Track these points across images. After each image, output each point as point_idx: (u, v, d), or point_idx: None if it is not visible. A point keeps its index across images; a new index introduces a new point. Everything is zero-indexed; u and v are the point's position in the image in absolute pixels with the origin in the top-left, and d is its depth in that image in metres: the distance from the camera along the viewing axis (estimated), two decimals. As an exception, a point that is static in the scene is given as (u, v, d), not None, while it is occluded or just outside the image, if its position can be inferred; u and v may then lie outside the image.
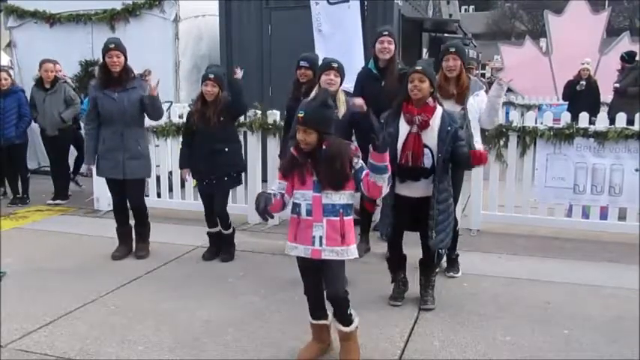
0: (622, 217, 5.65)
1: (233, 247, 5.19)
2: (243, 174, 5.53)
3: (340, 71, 4.46)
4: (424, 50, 10.30)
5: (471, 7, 55.97)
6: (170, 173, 6.84)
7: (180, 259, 5.17)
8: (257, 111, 6.21)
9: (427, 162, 3.74)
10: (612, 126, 5.60)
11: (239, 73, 4.83)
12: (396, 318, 3.85)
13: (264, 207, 2.98)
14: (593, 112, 6.47)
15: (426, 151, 3.73)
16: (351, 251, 3.10)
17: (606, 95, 10.07)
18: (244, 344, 3.50)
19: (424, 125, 3.72)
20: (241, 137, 5.80)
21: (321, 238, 3.05)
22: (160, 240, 5.44)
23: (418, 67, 3.73)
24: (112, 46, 4.83)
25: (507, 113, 6.34)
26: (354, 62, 5.77)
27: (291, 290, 4.15)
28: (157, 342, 3.54)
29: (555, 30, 14.49)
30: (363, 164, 3.06)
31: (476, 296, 4.24)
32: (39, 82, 7.41)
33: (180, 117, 6.58)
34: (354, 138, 4.59)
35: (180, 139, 5.56)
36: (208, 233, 5.19)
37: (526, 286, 4.43)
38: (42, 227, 6.29)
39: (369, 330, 3.54)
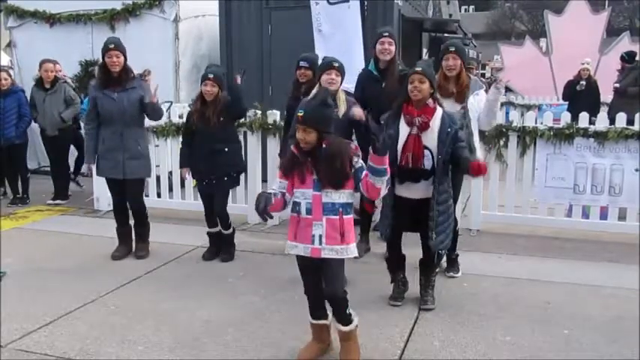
0: (622, 217, 5.65)
1: (233, 247, 5.19)
2: (242, 174, 5.53)
3: (341, 71, 4.47)
4: (424, 50, 10.30)
5: (471, 7, 55.97)
6: (170, 173, 6.84)
7: (180, 259, 5.17)
8: (257, 111, 6.21)
9: (427, 163, 3.74)
10: (612, 126, 5.60)
11: (239, 79, 4.83)
12: (396, 318, 3.85)
13: (264, 207, 2.98)
14: (593, 112, 6.47)
15: (426, 152, 3.73)
16: (351, 250, 3.10)
17: (606, 95, 10.07)
18: (244, 344, 3.50)
19: (424, 127, 3.72)
20: (241, 137, 5.80)
21: (320, 236, 3.05)
22: (160, 240, 5.44)
23: (418, 68, 3.73)
24: (112, 46, 4.82)
25: (507, 113, 6.36)
26: (354, 62, 5.77)
27: (291, 290, 4.15)
28: (156, 342, 3.54)
29: (555, 30, 14.50)
30: (363, 164, 3.06)
31: (476, 296, 4.24)
32: (39, 82, 7.41)
33: (180, 117, 6.58)
34: (353, 137, 4.59)
35: (180, 139, 5.55)
36: (208, 233, 5.19)
37: (526, 286, 4.43)
38: (42, 227, 6.29)
39: (369, 330, 3.54)
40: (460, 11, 31.76)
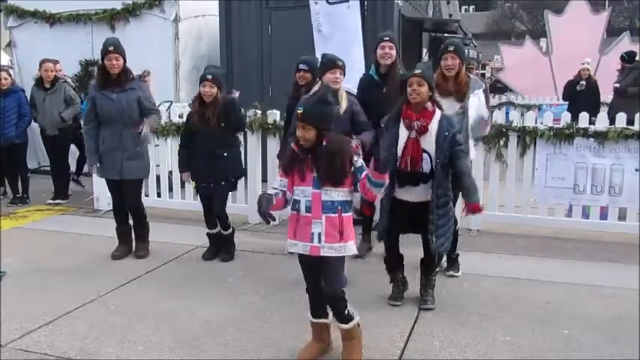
0: (622, 217, 5.65)
1: (233, 247, 5.19)
2: (241, 179, 5.52)
3: (344, 69, 4.55)
4: (424, 50, 10.29)
5: (471, 7, 55.95)
6: (170, 173, 6.84)
7: (180, 259, 5.17)
8: (257, 111, 6.21)
9: (426, 167, 3.74)
10: (612, 126, 5.60)
11: (235, 94, 4.85)
12: (396, 318, 3.85)
13: (266, 208, 2.99)
14: (593, 112, 6.47)
15: (425, 156, 3.73)
16: (350, 248, 3.10)
17: (606, 95, 10.07)
18: (244, 344, 3.50)
19: (422, 130, 3.72)
20: (241, 137, 5.79)
21: (319, 234, 3.05)
22: (160, 240, 5.44)
23: (417, 71, 3.72)
24: (111, 48, 4.81)
25: (507, 113, 6.34)
26: (354, 62, 5.77)
27: (291, 290, 4.15)
28: (156, 342, 3.54)
29: (555, 30, 14.51)
30: (363, 164, 3.06)
31: (476, 296, 4.24)
32: (39, 82, 7.41)
33: (180, 117, 6.58)
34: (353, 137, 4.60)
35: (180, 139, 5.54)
36: (208, 234, 5.19)
37: (526, 286, 4.43)
38: (42, 227, 6.29)
39: (369, 330, 3.53)
40: (460, 11, 31.73)
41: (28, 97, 7.42)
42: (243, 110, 5.52)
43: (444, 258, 4.54)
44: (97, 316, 3.92)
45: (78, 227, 6.24)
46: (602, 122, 5.71)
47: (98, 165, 5.04)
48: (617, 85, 8.98)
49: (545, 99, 13.39)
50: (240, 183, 5.72)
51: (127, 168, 4.97)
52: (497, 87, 15.53)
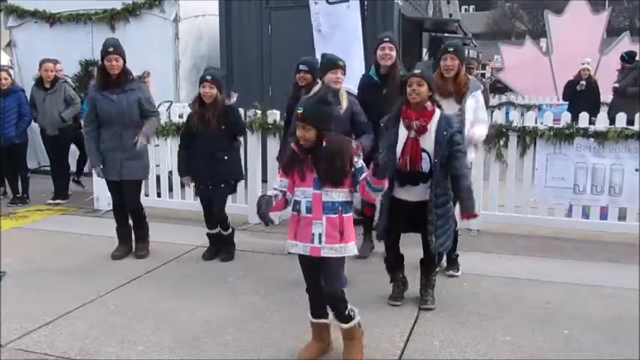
0: (622, 217, 5.65)
1: (233, 247, 5.19)
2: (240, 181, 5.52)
3: (345, 69, 4.56)
4: (424, 50, 10.30)
5: (471, 7, 55.95)
6: (170, 173, 6.84)
7: (180, 259, 5.17)
8: (257, 111, 6.21)
9: (425, 166, 3.74)
10: (612, 126, 5.60)
11: (233, 96, 4.85)
12: (395, 318, 3.85)
13: (265, 210, 3.00)
14: (593, 112, 6.47)
15: (424, 155, 3.73)
16: (350, 248, 3.11)
17: (606, 95, 10.07)
18: (244, 344, 3.50)
19: (422, 130, 3.72)
20: (241, 138, 5.77)
21: (320, 235, 3.05)
22: (160, 240, 5.44)
23: (416, 71, 3.73)
24: (111, 49, 4.80)
25: (507, 113, 6.34)
26: (354, 62, 5.76)
27: (291, 290, 4.15)
28: (156, 342, 3.54)
29: (555, 30, 14.51)
30: (364, 165, 3.06)
31: (476, 296, 4.24)
32: (39, 82, 7.41)
33: (180, 117, 6.58)
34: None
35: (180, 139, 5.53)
36: (208, 234, 5.19)
37: (526, 286, 4.43)
38: (42, 227, 6.29)
39: (369, 330, 3.53)
40: (460, 11, 31.73)
41: (28, 97, 7.42)
42: (242, 112, 5.53)
43: (444, 258, 4.54)
44: (97, 316, 3.92)
45: (78, 227, 6.23)
46: (602, 122, 5.71)
47: (101, 167, 5.02)
48: (617, 85, 8.98)
49: (545, 99, 13.39)
50: (240, 183, 5.72)
51: (126, 169, 4.97)
52: (497, 87, 15.53)
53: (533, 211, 5.88)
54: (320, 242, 3.06)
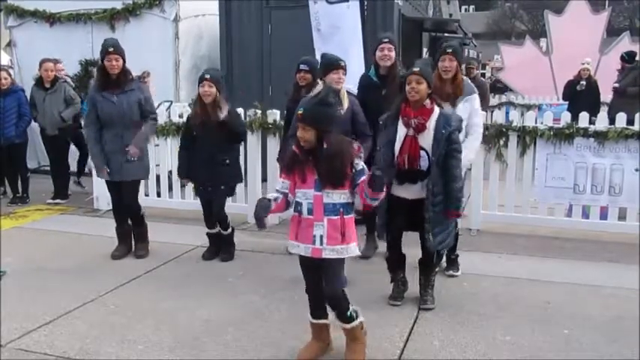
0: (622, 217, 5.65)
1: (233, 247, 5.19)
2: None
3: (346, 69, 4.56)
4: (424, 50, 10.30)
5: (471, 7, 55.91)
6: (170, 173, 6.83)
7: (180, 259, 5.17)
8: (257, 111, 6.20)
9: (423, 164, 3.74)
10: (612, 126, 5.60)
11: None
12: (395, 318, 3.85)
13: (260, 214, 3.03)
14: (594, 112, 6.47)
15: (423, 153, 3.73)
16: (351, 249, 3.11)
17: (606, 95, 10.07)
18: (244, 344, 3.50)
19: (420, 128, 3.72)
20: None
21: (321, 237, 3.05)
22: (160, 239, 5.44)
23: (415, 69, 3.72)
24: (111, 49, 4.80)
25: (507, 113, 6.34)
26: (353, 63, 5.75)
27: (291, 289, 4.15)
28: (156, 341, 3.54)
29: (555, 30, 14.51)
30: (364, 167, 3.06)
31: (476, 296, 4.24)
32: (39, 82, 7.41)
33: (180, 116, 6.57)
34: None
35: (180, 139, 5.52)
36: (208, 234, 5.18)
37: (526, 286, 4.43)
38: (42, 226, 6.29)
39: (369, 329, 3.52)
40: (460, 11, 31.69)
41: (28, 97, 7.42)
42: (242, 112, 5.52)
43: (444, 258, 4.54)
44: (96, 315, 3.92)
45: (78, 227, 6.23)
46: (602, 122, 5.71)
47: (108, 170, 4.98)
48: (617, 85, 8.98)
49: (545, 99, 13.39)
50: (240, 183, 5.71)
51: (127, 169, 4.97)
52: (497, 87, 15.52)
53: (533, 211, 5.88)
54: (321, 244, 3.06)
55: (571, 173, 5.71)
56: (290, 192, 3.15)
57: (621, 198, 5.60)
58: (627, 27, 27.22)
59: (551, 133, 5.69)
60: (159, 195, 6.88)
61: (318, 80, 4.71)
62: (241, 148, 5.56)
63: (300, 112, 3.05)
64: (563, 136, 5.67)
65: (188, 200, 6.54)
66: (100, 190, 6.70)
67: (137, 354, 3.40)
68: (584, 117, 5.72)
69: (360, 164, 3.06)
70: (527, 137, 5.80)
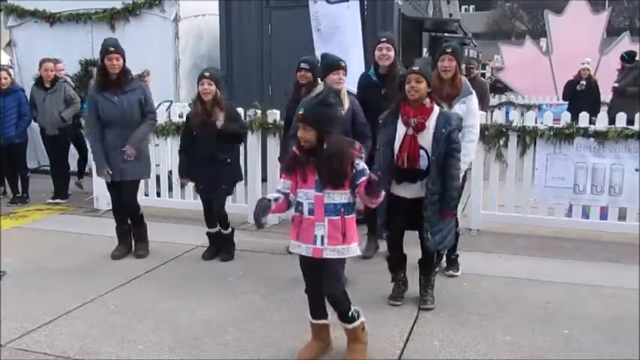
0: (622, 217, 5.65)
1: (233, 247, 5.19)
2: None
3: (346, 69, 4.56)
4: (424, 50, 10.30)
5: (471, 7, 55.91)
6: (170, 172, 6.84)
7: (180, 259, 5.17)
8: (257, 110, 6.20)
9: (423, 164, 3.74)
10: (612, 126, 5.60)
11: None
12: (395, 317, 3.85)
13: (259, 214, 3.04)
14: (594, 112, 6.47)
15: (422, 152, 3.73)
16: (352, 249, 3.11)
17: (606, 95, 10.07)
18: (244, 344, 3.50)
19: (420, 127, 3.71)
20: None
21: (322, 237, 3.06)
22: (160, 239, 5.44)
23: (415, 68, 3.72)
24: (112, 49, 4.80)
25: (507, 113, 6.34)
26: (353, 63, 5.75)
27: (291, 289, 4.15)
28: (156, 341, 3.54)
29: (555, 30, 14.51)
30: (365, 168, 3.06)
31: (476, 296, 4.24)
32: (39, 82, 7.41)
33: (180, 116, 6.57)
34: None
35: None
36: (208, 233, 5.18)
37: (526, 286, 4.43)
38: (42, 226, 6.29)
39: (369, 329, 3.53)
40: (460, 11, 31.67)
41: (28, 97, 7.42)
42: (242, 112, 5.51)
43: (444, 258, 4.54)
44: (96, 315, 3.92)
45: (77, 227, 6.23)
46: (602, 122, 5.71)
47: (110, 172, 4.97)
48: (617, 84, 8.98)
49: (545, 99, 13.38)
50: (240, 183, 5.72)
51: (127, 169, 4.97)
52: (497, 87, 15.53)
53: (533, 211, 5.88)
54: (322, 244, 3.06)
55: (571, 173, 5.71)
56: (291, 192, 3.15)
57: (621, 198, 5.60)
58: (627, 27, 27.22)
59: (551, 133, 5.69)
60: (159, 195, 6.88)
61: (319, 81, 4.71)
62: (241, 147, 5.56)
63: (300, 112, 3.05)
64: (563, 136, 5.67)
65: (188, 200, 6.54)
66: (100, 190, 6.70)
67: (137, 354, 3.40)
68: (584, 117, 5.72)
69: (361, 164, 3.05)
70: (527, 137, 5.79)
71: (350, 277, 3.63)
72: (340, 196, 3.06)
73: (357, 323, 3.21)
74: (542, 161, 5.78)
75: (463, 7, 44.70)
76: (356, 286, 4.08)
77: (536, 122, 5.88)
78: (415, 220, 3.82)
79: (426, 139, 3.72)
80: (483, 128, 5.67)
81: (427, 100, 3.73)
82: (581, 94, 9.68)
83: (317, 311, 3.28)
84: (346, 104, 4.51)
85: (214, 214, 5.06)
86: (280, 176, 3.29)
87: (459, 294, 4.27)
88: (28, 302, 4.11)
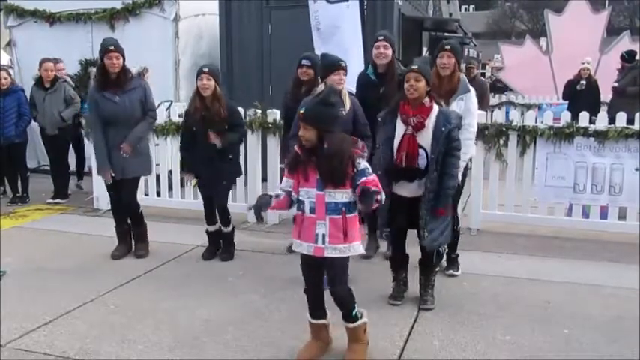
0: (622, 216, 5.65)
1: (233, 246, 5.19)
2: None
3: (347, 69, 4.56)
4: (424, 49, 10.30)
5: (472, 7, 55.90)
6: (170, 172, 6.84)
7: (180, 258, 5.17)
8: (257, 110, 6.20)
9: (422, 163, 3.73)
10: (612, 125, 5.60)
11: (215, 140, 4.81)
12: (395, 317, 3.85)
13: (258, 208, 3.06)
14: (594, 112, 6.47)
15: (421, 151, 3.72)
16: (355, 248, 3.12)
17: (606, 94, 10.07)
18: (244, 343, 3.50)
19: (419, 127, 3.71)
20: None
21: (324, 236, 3.06)
22: (160, 239, 5.44)
23: (414, 67, 3.71)
24: (112, 48, 4.80)
25: (507, 112, 6.34)
26: (353, 63, 5.74)
27: (291, 289, 4.15)
28: (156, 341, 3.54)
29: (555, 29, 14.52)
30: (366, 167, 3.05)
31: (476, 295, 4.24)
32: (39, 81, 7.41)
33: (180, 116, 6.56)
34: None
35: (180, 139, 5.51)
36: (207, 232, 5.18)
37: (526, 286, 4.43)
38: (42, 226, 6.29)
39: (369, 329, 3.53)
40: (460, 10, 31.65)
41: (28, 97, 7.42)
42: (242, 111, 5.51)
43: (444, 258, 4.54)
44: (96, 315, 3.92)
45: (77, 227, 6.23)
46: (602, 122, 5.71)
47: (113, 174, 4.97)
48: (616, 84, 8.97)
49: (545, 98, 13.40)
50: (240, 183, 5.72)
51: (127, 168, 4.97)
52: (497, 86, 15.54)
53: (533, 211, 5.88)
54: (323, 242, 3.07)
55: (571, 173, 5.71)
56: (293, 190, 3.16)
57: (621, 197, 5.60)
58: (627, 26, 27.24)
59: (551, 132, 5.69)
60: (159, 195, 6.88)
61: (319, 80, 4.71)
62: (241, 147, 5.56)
63: (301, 111, 3.06)
64: (563, 135, 5.66)
65: (188, 200, 6.54)
66: (100, 190, 6.70)
67: (137, 354, 3.40)
68: (584, 116, 5.72)
69: (363, 164, 3.05)
70: (527, 137, 5.79)
71: (350, 276, 3.62)
72: (341, 195, 3.06)
73: (359, 323, 3.22)
74: (542, 161, 5.77)
75: (463, 7, 44.66)
76: (356, 285, 4.04)
77: (536, 122, 5.88)
78: (414, 219, 3.82)
79: (425, 138, 3.71)
80: (483, 128, 5.68)
81: (426, 99, 3.73)
82: (581, 94, 9.68)
83: (316, 311, 3.28)
84: (348, 104, 4.50)
85: (217, 207, 5.04)
86: (284, 175, 3.30)
87: (459, 293, 4.27)
88: (28, 302, 4.11)
